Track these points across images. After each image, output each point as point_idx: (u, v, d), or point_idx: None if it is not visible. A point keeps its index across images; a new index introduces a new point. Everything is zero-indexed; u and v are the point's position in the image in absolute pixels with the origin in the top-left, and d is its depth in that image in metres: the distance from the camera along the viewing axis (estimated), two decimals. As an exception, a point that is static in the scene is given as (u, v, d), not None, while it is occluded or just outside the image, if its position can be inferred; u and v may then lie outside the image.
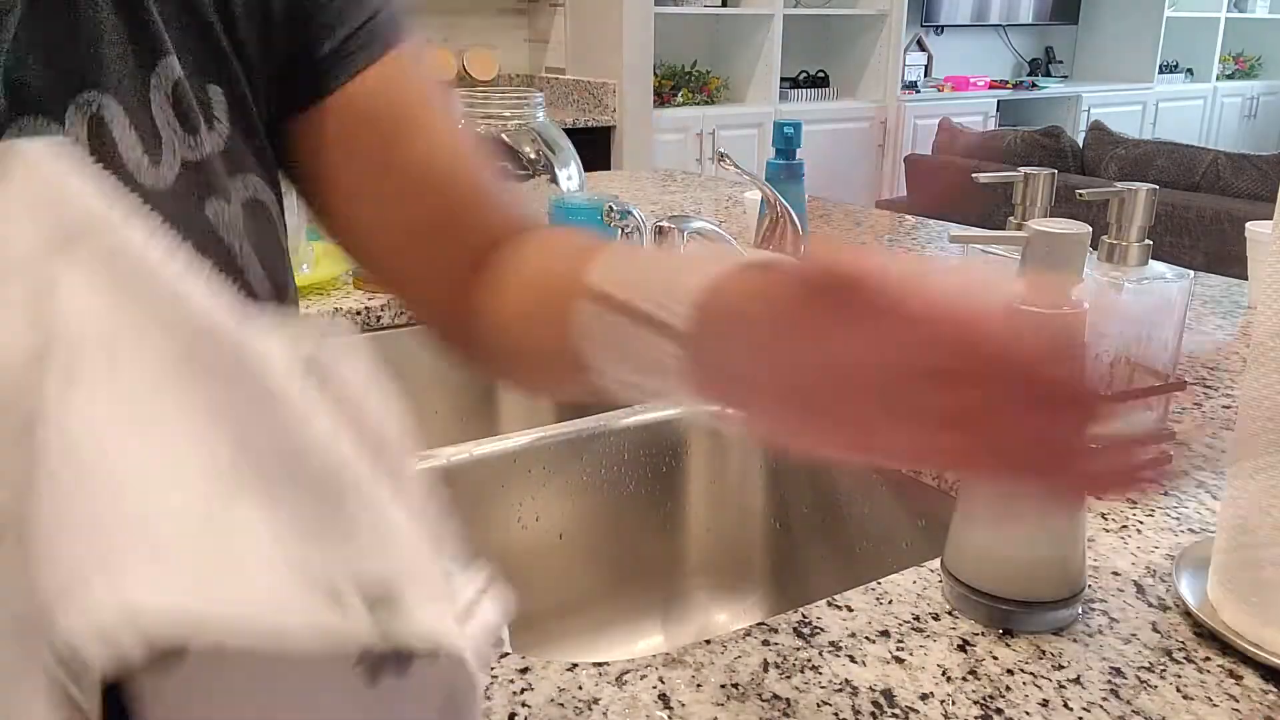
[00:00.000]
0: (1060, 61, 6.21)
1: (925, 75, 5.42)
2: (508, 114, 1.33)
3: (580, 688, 0.54)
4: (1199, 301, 1.28)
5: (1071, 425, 0.34)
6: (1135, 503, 0.74)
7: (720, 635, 0.58)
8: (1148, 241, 0.73)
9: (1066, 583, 0.58)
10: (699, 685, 0.54)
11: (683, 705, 0.53)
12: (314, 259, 1.30)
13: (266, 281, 0.48)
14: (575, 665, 0.56)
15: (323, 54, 0.50)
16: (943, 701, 0.53)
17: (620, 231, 1.24)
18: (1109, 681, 0.54)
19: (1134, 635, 0.58)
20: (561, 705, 0.53)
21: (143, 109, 0.44)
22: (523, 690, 0.54)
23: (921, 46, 5.48)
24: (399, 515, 0.30)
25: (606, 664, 0.56)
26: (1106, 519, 0.71)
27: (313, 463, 0.28)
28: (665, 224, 0.92)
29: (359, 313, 1.21)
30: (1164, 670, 0.55)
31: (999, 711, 0.52)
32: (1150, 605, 0.61)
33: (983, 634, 0.59)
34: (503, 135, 1.33)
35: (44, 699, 0.23)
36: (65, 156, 0.29)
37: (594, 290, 0.43)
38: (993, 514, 0.56)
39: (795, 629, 0.59)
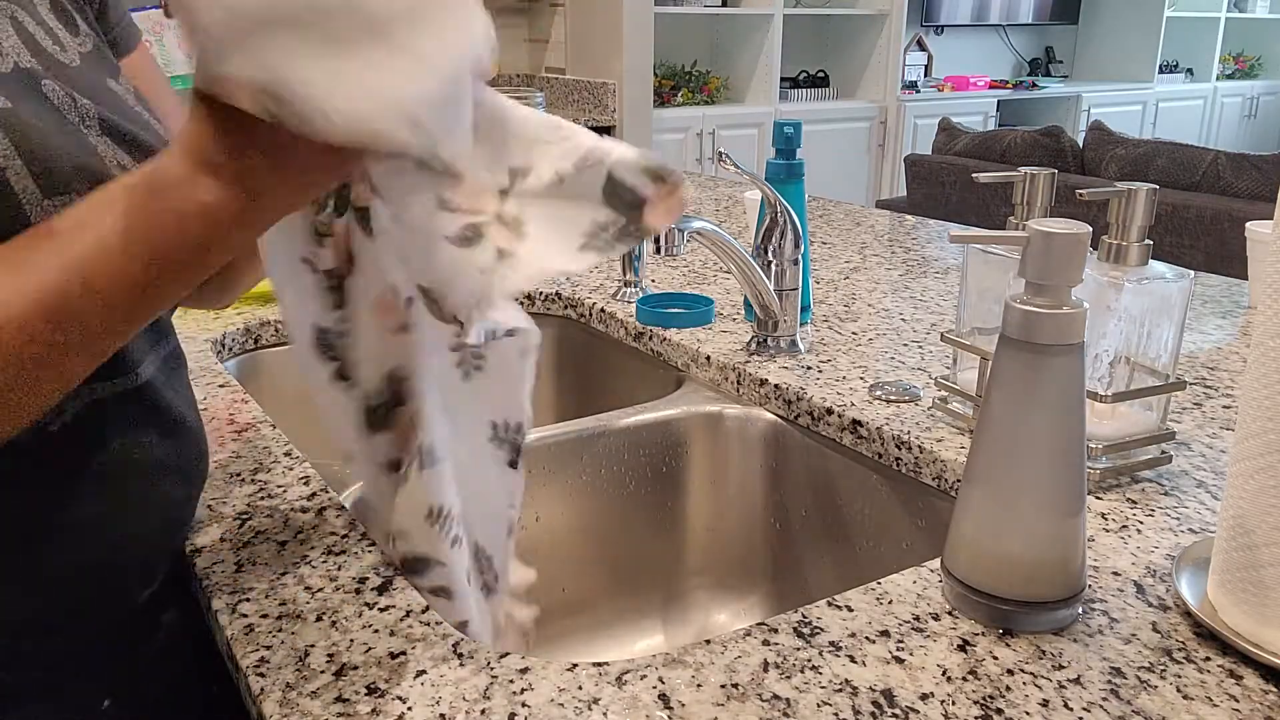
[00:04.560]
0: (1060, 61, 6.22)
1: (925, 75, 5.43)
2: (508, 114, 1.32)
3: (580, 688, 0.54)
4: (1199, 301, 1.28)
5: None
6: (1135, 502, 0.74)
7: (720, 635, 0.58)
8: (1148, 241, 0.73)
9: (1066, 583, 0.58)
10: (699, 685, 0.54)
11: (683, 705, 0.53)
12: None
13: (163, 130, 0.66)
14: (575, 665, 0.56)
15: (109, 30, 0.69)
16: (943, 701, 0.53)
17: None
18: (1109, 681, 0.54)
19: (1134, 635, 0.58)
20: (561, 705, 0.53)
21: (35, 14, 0.61)
22: (523, 690, 0.54)
23: (921, 46, 5.48)
24: None
25: (606, 664, 0.56)
26: (1106, 519, 0.71)
27: None
28: (665, 224, 0.92)
29: (359, 313, 1.21)
30: (1164, 670, 0.55)
31: (999, 711, 0.52)
32: (1150, 605, 0.61)
33: (983, 634, 0.59)
34: (503, 135, 1.33)
35: None
36: None
37: None
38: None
39: (795, 629, 0.59)
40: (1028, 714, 0.52)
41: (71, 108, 0.58)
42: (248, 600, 0.62)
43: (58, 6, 0.64)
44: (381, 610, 0.61)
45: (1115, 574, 0.64)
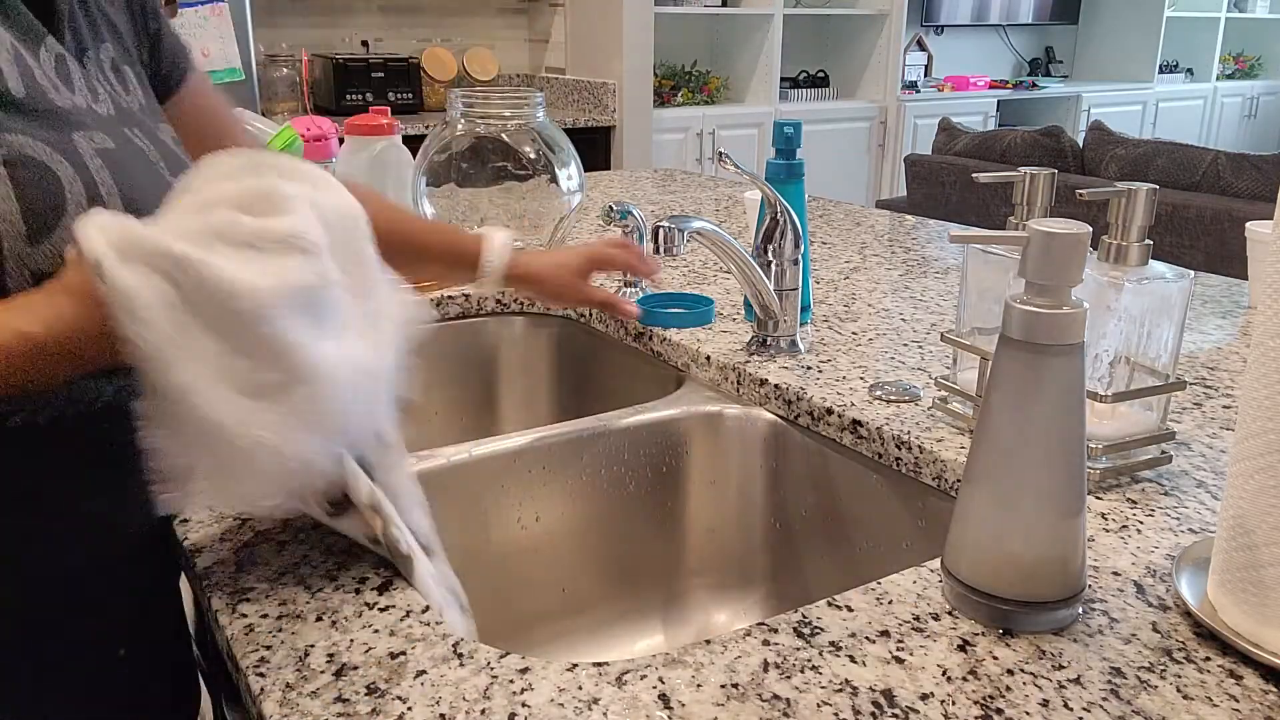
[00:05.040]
0: (1060, 61, 6.21)
1: (925, 75, 5.42)
2: (508, 114, 1.33)
3: (580, 688, 0.54)
4: (1199, 301, 1.28)
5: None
6: (1135, 502, 0.74)
7: (720, 635, 0.58)
8: (1148, 241, 0.73)
9: (1066, 583, 0.58)
10: (699, 685, 0.54)
11: (683, 705, 0.53)
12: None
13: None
14: (575, 665, 0.56)
15: (160, 74, 0.78)
16: (943, 701, 0.53)
17: (621, 232, 1.24)
18: (1109, 681, 0.54)
19: (1134, 635, 0.58)
20: (561, 705, 0.53)
21: (85, 65, 0.68)
22: (523, 690, 0.54)
23: (921, 46, 5.48)
24: None
25: (606, 664, 0.56)
26: (1106, 519, 0.71)
27: None
28: (665, 224, 0.92)
29: (359, 313, 1.21)
30: (1164, 670, 0.55)
31: (999, 711, 0.52)
32: (1150, 605, 0.61)
33: (983, 634, 0.59)
34: (503, 135, 1.33)
35: None
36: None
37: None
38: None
39: (795, 629, 0.59)
40: (1028, 714, 0.52)
41: (149, 149, 0.68)
42: (248, 600, 0.62)
43: (115, 65, 0.72)
44: (381, 610, 0.61)
45: (1115, 574, 0.64)
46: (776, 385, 0.97)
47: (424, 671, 0.55)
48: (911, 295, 1.28)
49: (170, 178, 0.67)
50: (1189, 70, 6.26)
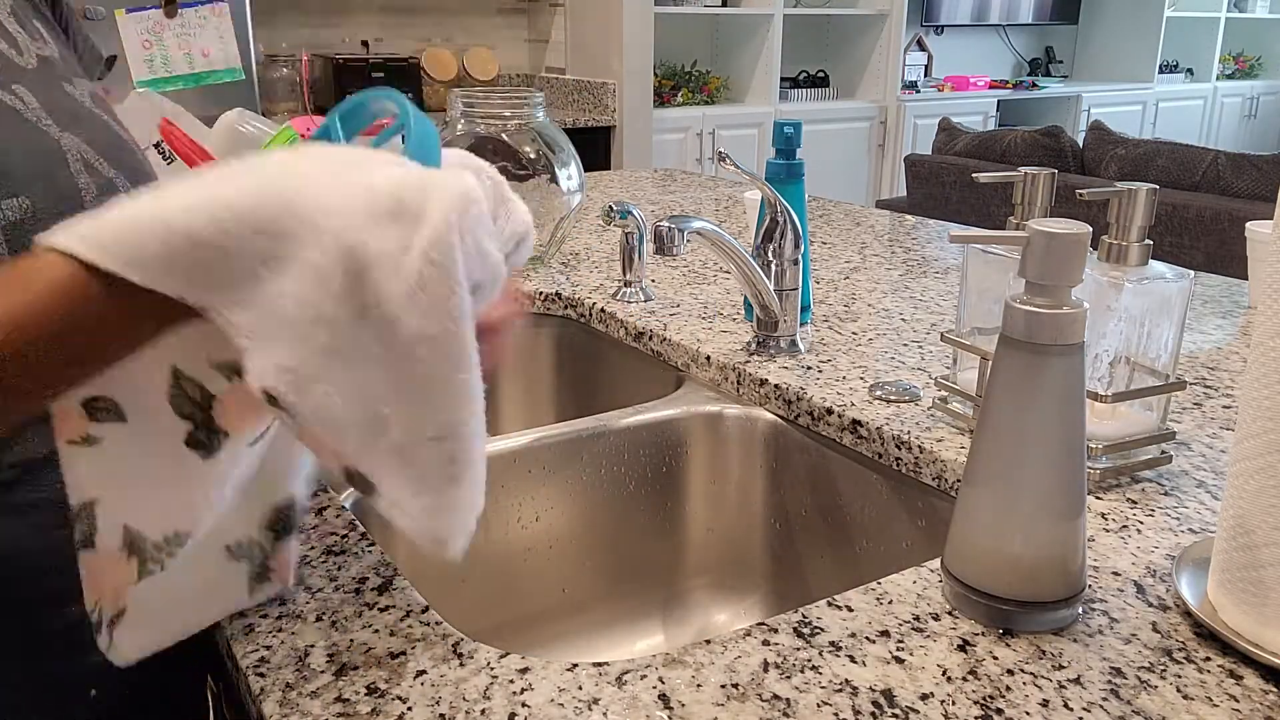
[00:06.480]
0: (1060, 61, 6.22)
1: (925, 75, 5.43)
2: (508, 114, 1.33)
3: (580, 688, 0.54)
4: (1199, 301, 1.28)
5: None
6: (1135, 502, 0.74)
7: (720, 635, 0.58)
8: (1148, 241, 0.73)
9: (1066, 583, 0.58)
10: (699, 685, 0.54)
11: (683, 705, 0.53)
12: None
13: (127, 137, 0.71)
14: (575, 665, 0.56)
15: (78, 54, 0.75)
16: (943, 701, 0.53)
17: (621, 231, 1.24)
18: (1109, 681, 0.54)
19: (1134, 635, 0.58)
20: (561, 705, 0.53)
21: None
22: (523, 690, 0.54)
23: (921, 46, 5.49)
24: None
25: (606, 664, 0.56)
26: (1106, 519, 0.71)
27: None
28: (665, 224, 0.92)
29: (359, 313, 1.21)
30: (1164, 670, 0.55)
31: (999, 711, 0.52)
32: (1150, 605, 0.61)
33: (983, 634, 0.59)
34: (503, 135, 1.33)
35: None
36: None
37: None
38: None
39: (795, 629, 0.59)
40: (1028, 714, 0.52)
41: (26, 107, 0.63)
42: (248, 600, 0.62)
43: (22, 15, 0.69)
44: (381, 610, 0.61)
45: (1115, 574, 0.64)
46: (776, 385, 0.97)
47: (424, 671, 0.55)
48: (911, 295, 1.28)
49: (58, 133, 0.63)
50: (1189, 70, 6.27)
